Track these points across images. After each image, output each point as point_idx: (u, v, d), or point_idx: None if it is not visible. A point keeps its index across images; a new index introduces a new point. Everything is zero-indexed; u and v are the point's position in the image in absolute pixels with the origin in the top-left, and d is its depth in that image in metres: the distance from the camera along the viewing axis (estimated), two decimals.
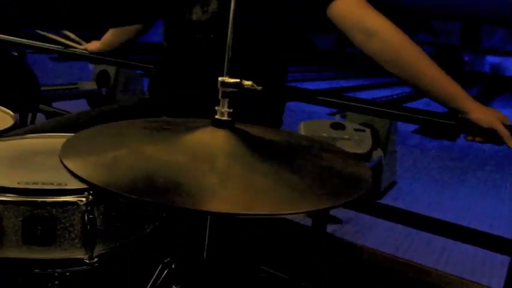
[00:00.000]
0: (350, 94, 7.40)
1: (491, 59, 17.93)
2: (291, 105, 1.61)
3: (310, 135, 2.82)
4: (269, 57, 1.31)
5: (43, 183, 0.88)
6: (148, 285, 1.04)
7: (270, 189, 0.69)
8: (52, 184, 0.88)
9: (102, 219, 0.88)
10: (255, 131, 0.84)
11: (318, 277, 1.83)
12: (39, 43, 2.27)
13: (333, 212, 2.79)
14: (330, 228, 2.64)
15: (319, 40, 14.71)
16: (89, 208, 0.85)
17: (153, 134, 0.85)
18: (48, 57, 7.90)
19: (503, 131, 1.18)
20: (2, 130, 1.13)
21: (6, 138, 1.11)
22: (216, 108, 0.79)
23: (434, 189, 3.89)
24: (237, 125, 0.81)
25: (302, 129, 2.92)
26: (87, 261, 0.86)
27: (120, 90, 4.63)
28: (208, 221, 0.97)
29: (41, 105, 2.69)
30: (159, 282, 1.05)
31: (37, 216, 0.83)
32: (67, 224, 0.85)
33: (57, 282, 0.87)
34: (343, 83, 10.26)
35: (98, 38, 1.87)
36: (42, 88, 3.36)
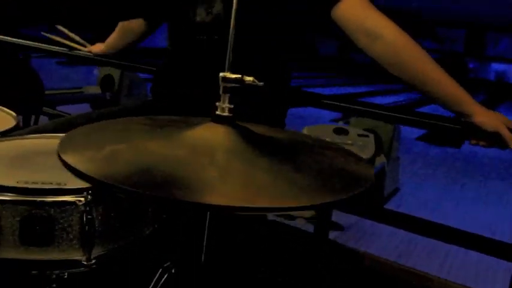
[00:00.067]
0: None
1: (496, 66, 17.90)
2: (294, 110, 1.60)
3: None
4: (269, 57, 1.31)
5: (42, 183, 0.87)
6: None
7: (270, 184, 0.68)
8: (51, 184, 0.87)
9: (101, 220, 0.87)
10: (258, 129, 0.84)
11: (320, 283, 1.81)
12: (44, 45, 2.27)
13: (335, 218, 2.78)
14: (332, 234, 2.62)
15: (322, 45, 14.72)
16: (88, 208, 0.83)
17: (152, 129, 0.84)
18: (55, 61, 7.94)
19: (508, 135, 1.17)
20: (4, 131, 1.12)
21: (7, 138, 1.11)
22: (217, 104, 0.78)
23: (437, 196, 3.87)
24: (239, 123, 0.80)
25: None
26: (85, 262, 0.85)
27: (125, 95, 4.63)
28: (207, 222, 0.96)
29: (44, 108, 2.70)
30: (158, 287, 1.04)
31: (35, 216, 0.82)
32: (65, 225, 0.84)
33: (54, 286, 0.87)
34: (347, 90, 10.24)
35: (102, 40, 1.87)
36: (47, 92, 3.36)
